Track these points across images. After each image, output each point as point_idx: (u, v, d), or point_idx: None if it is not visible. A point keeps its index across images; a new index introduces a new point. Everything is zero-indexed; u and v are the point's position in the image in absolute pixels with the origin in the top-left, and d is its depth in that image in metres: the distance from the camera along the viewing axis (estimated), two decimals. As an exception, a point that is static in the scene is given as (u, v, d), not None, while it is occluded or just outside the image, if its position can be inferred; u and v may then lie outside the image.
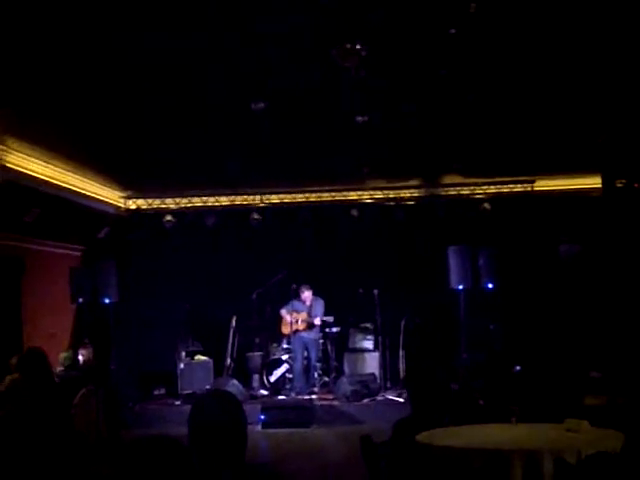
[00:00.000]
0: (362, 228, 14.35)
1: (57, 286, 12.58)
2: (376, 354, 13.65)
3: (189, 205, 14.63)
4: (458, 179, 14.02)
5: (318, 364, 13.60)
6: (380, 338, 13.49)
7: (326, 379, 13.64)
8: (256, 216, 14.36)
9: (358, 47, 6.98)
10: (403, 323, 13.34)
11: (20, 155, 10.45)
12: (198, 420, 3.10)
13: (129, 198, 14.51)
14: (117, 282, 12.42)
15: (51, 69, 7.57)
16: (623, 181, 10.84)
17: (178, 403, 12.71)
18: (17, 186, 10.59)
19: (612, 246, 11.16)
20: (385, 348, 13.46)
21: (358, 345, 14.17)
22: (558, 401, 7.13)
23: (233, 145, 10.74)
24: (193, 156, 11.24)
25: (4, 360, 8.73)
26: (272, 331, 13.97)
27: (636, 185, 10.64)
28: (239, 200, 14.67)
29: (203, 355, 13.66)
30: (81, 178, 12.28)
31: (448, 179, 14.08)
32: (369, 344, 14.03)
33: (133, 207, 14.64)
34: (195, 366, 13.41)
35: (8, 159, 10.23)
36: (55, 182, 11.52)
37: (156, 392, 13.58)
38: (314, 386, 13.40)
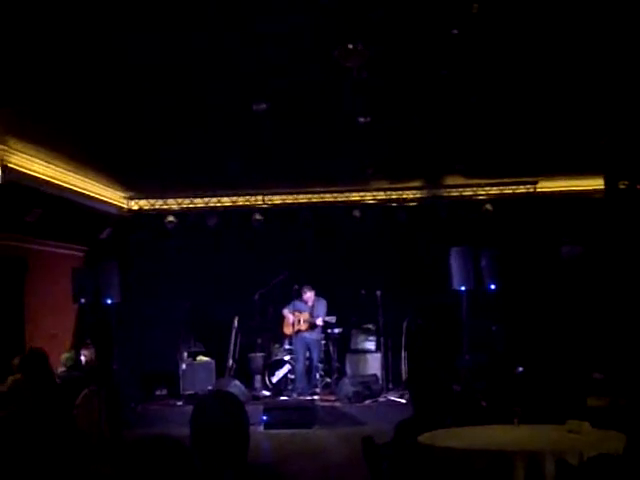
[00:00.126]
0: (364, 229, 14.35)
1: (59, 286, 12.58)
2: (378, 355, 13.65)
3: (191, 206, 14.64)
4: (460, 180, 14.02)
5: (320, 365, 13.60)
6: (382, 339, 13.50)
7: (328, 380, 13.65)
8: (258, 217, 14.35)
9: (360, 47, 6.98)
10: (405, 324, 13.35)
11: (22, 155, 10.46)
12: (200, 421, 3.10)
13: (131, 199, 14.52)
14: (119, 282, 12.41)
15: (52, 69, 7.57)
16: (626, 182, 10.82)
17: (180, 404, 12.72)
18: (19, 186, 10.60)
19: (615, 248, 11.14)
20: (387, 349, 13.46)
21: (360, 346, 14.17)
22: (560, 402, 7.13)
23: (235, 146, 10.73)
24: (195, 157, 11.24)
25: (6, 360, 8.74)
26: (274, 332, 13.98)
27: (639, 187, 10.62)
28: (241, 201, 14.67)
29: (205, 356, 13.66)
30: (83, 179, 12.29)
31: (450, 180, 14.08)
32: (371, 345, 14.04)
33: (135, 208, 14.65)
34: (197, 367, 13.42)
35: (10, 159, 10.23)
36: (57, 182, 11.52)
37: (158, 393, 13.59)
38: (316, 387, 13.41)
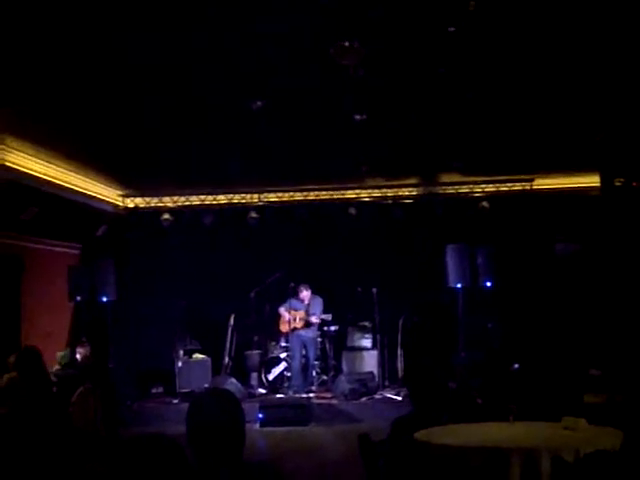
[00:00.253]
0: (360, 226, 14.34)
1: (55, 284, 12.58)
2: (374, 352, 13.66)
3: (187, 203, 14.63)
4: (456, 177, 14.02)
5: (316, 362, 13.61)
6: (378, 336, 13.50)
7: (324, 377, 13.65)
8: (254, 214, 14.35)
9: (356, 45, 6.97)
10: (401, 321, 13.36)
11: (19, 154, 10.45)
12: (196, 418, 3.10)
13: (127, 196, 14.50)
14: (115, 280, 12.41)
15: (49, 68, 7.56)
16: (621, 180, 10.84)
17: (176, 401, 12.71)
18: (15, 185, 10.59)
19: (611, 245, 11.16)
20: (383, 346, 13.46)
21: (356, 343, 14.18)
22: (556, 399, 7.14)
23: (231, 144, 10.73)
24: (191, 155, 11.23)
25: (2, 358, 8.72)
26: (270, 329, 13.97)
27: (634, 184, 10.64)
28: (237, 199, 14.66)
29: (201, 353, 13.66)
30: (79, 177, 12.27)
31: (446, 178, 14.08)
32: (367, 342, 14.04)
33: (131, 205, 14.63)
34: (193, 364, 13.40)
35: (6, 158, 10.22)
36: (53, 180, 11.51)
37: (154, 390, 13.58)
38: (312, 384, 13.41)
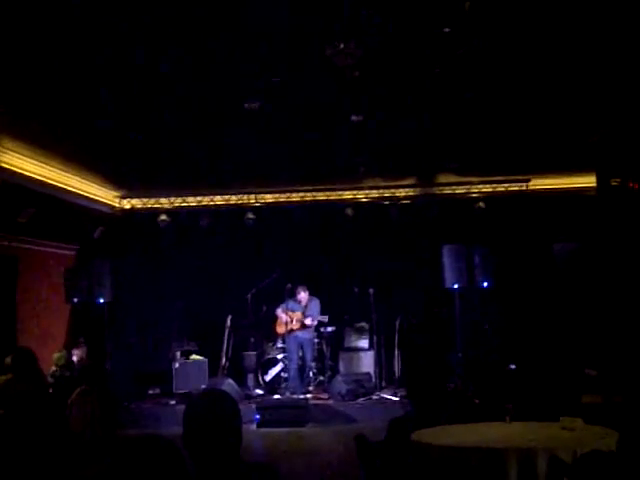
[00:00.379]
0: (357, 227, 14.35)
1: (51, 286, 12.57)
2: (371, 353, 13.66)
3: (183, 205, 14.62)
4: (453, 178, 14.03)
5: (313, 363, 13.60)
6: (375, 337, 13.50)
7: (321, 378, 13.65)
8: (251, 215, 14.34)
9: (352, 46, 6.98)
10: (398, 322, 13.36)
11: (14, 155, 10.43)
12: (193, 419, 3.09)
13: (124, 198, 14.49)
14: (112, 282, 12.41)
15: (45, 69, 7.55)
16: (617, 180, 10.85)
17: (173, 402, 12.69)
18: (11, 186, 10.57)
19: (607, 245, 11.17)
20: (380, 347, 13.46)
21: (353, 344, 14.18)
22: (553, 399, 7.15)
23: (228, 144, 10.72)
24: (187, 155, 11.22)
25: (-2, 360, 8.70)
26: (267, 330, 13.96)
27: (630, 184, 10.65)
28: (234, 200, 14.66)
29: (198, 354, 13.64)
30: (76, 178, 12.26)
31: (443, 178, 14.09)
32: (364, 343, 14.04)
33: (128, 207, 14.62)
34: (190, 365, 13.39)
35: (3, 159, 10.21)
36: (50, 182, 11.50)
37: (151, 391, 13.55)
38: (309, 385, 13.41)
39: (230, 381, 12.48)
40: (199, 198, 14.58)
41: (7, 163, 10.32)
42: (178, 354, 13.53)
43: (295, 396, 12.70)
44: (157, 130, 9.91)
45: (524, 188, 14.31)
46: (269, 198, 14.65)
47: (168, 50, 7.25)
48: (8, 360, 7.95)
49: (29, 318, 12.09)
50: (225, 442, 3.05)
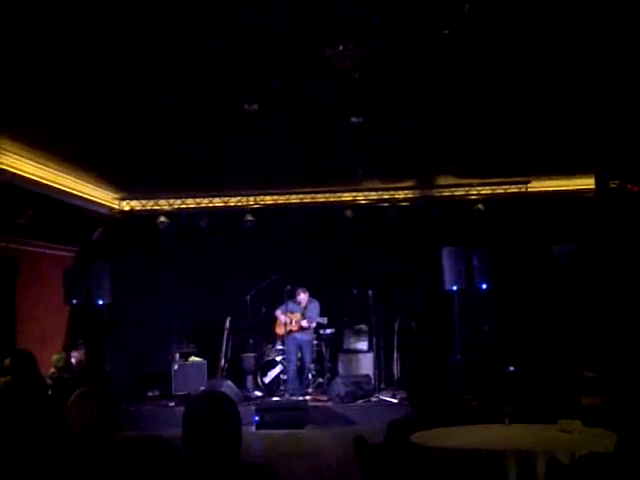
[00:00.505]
0: (356, 229, 14.35)
1: (51, 287, 12.56)
2: (370, 355, 13.66)
3: (183, 206, 14.62)
4: (452, 180, 14.03)
5: (312, 365, 13.60)
6: (374, 339, 13.51)
7: (320, 380, 13.65)
8: (250, 217, 14.34)
9: (352, 48, 6.98)
10: (397, 324, 13.36)
11: (13, 156, 10.43)
12: (192, 421, 3.09)
13: (123, 199, 14.49)
14: (111, 283, 12.41)
15: (44, 70, 7.55)
16: (616, 182, 10.86)
17: (172, 404, 12.68)
18: (10, 187, 10.57)
19: (606, 247, 11.18)
20: (379, 349, 13.47)
21: (352, 346, 14.18)
22: (552, 401, 7.15)
23: (227, 146, 10.72)
24: (187, 157, 11.22)
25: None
26: (266, 332, 13.97)
27: (629, 186, 10.66)
28: (233, 201, 14.66)
29: (197, 356, 13.64)
30: (75, 179, 12.26)
31: (442, 180, 14.09)
32: (363, 345, 14.04)
33: (127, 208, 14.62)
34: (189, 367, 13.39)
35: (1, 160, 10.21)
36: (49, 183, 11.50)
37: (150, 393, 13.55)
38: (308, 387, 13.41)
39: (229, 383, 12.47)
40: (198, 200, 14.58)
41: (6, 164, 10.32)
42: (177, 356, 13.54)
43: (294, 398, 12.70)
44: (156, 131, 9.90)
45: (523, 190, 14.31)
46: (268, 200, 14.64)
47: (168, 51, 7.25)
48: (7, 362, 7.94)
49: (28, 320, 12.08)
50: (224, 444, 3.05)
